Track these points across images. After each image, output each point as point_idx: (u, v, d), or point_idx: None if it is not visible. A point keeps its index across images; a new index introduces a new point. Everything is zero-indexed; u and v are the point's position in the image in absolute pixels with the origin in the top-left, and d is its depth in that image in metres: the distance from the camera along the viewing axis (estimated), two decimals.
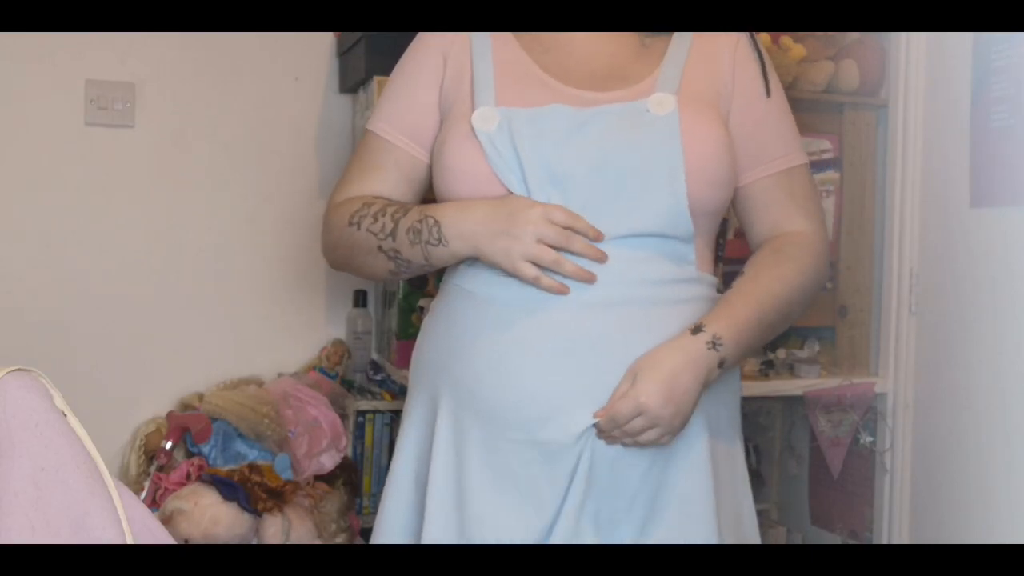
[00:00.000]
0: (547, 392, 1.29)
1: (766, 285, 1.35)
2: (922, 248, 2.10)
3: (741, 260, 1.47)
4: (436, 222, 1.30)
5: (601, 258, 1.28)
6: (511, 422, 1.30)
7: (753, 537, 1.45)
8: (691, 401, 1.27)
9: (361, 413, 2.45)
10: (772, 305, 1.34)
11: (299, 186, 2.61)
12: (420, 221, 1.31)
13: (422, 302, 2.40)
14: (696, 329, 1.29)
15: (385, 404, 2.44)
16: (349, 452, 2.39)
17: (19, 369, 1.00)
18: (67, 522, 0.95)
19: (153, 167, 2.51)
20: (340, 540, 2.21)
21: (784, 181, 1.42)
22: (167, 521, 2.09)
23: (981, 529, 1.90)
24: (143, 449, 2.39)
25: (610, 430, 1.27)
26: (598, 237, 1.28)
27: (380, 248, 1.34)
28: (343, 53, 2.56)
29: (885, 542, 2.17)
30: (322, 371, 2.52)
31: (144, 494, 2.23)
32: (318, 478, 2.30)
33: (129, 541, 0.99)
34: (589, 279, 1.27)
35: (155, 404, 2.48)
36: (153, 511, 2.03)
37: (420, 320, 2.40)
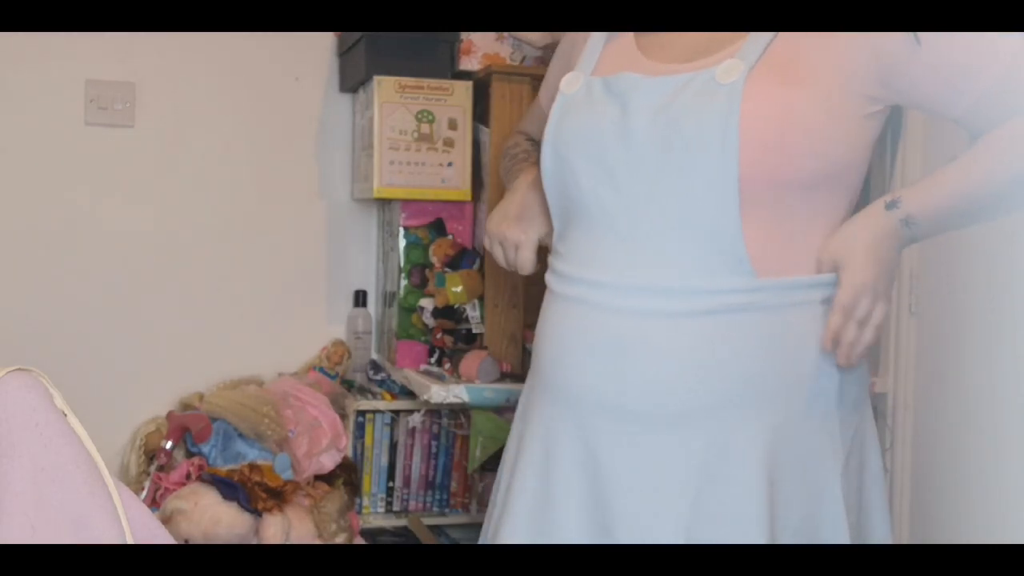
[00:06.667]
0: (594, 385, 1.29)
1: (983, 159, 1.25)
2: (921, 249, 2.10)
3: None
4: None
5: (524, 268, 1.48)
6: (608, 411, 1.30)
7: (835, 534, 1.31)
8: (894, 268, 1.27)
9: (361, 413, 2.45)
10: (983, 180, 1.25)
11: (299, 186, 2.61)
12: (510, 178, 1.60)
13: (422, 302, 2.39)
14: (891, 204, 1.24)
15: (385, 404, 2.44)
16: (349, 452, 2.39)
17: (19, 369, 1.00)
18: (67, 522, 0.95)
19: (153, 167, 2.51)
20: (340, 540, 2.21)
21: (986, 104, 1.26)
22: (167, 521, 2.09)
23: (981, 529, 1.90)
24: (143, 449, 2.39)
25: (843, 328, 1.22)
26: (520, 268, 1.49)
27: (504, 176, 1.65)
28: (343, 53, 2.56)
29: None
30: (322, 371, 2.52)
31: (144, 494, 2.23)
32: (318, 478, 2.30)
33: (129, 541, 0.99)
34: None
35: (155, 404, 2.48)
36: (153, 511, 2.03)
37: (420, 320, 2.42)
